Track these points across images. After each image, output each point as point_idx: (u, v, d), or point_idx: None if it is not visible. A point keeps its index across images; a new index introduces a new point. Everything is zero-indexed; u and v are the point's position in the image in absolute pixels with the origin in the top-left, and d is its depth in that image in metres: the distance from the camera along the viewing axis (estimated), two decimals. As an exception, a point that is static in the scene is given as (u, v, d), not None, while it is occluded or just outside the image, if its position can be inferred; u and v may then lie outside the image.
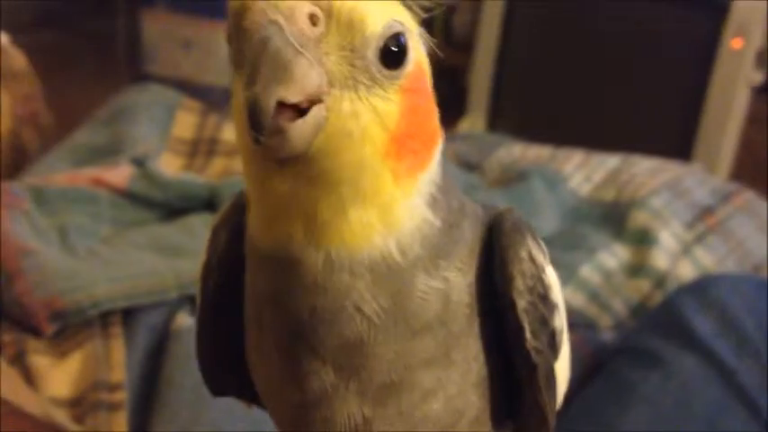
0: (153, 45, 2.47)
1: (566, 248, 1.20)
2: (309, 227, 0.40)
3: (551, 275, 0.48)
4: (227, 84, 0.41)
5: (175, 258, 1.05)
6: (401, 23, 0.40)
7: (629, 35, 1.98)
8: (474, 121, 2.20)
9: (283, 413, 0.49)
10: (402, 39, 0.40)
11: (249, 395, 0.54)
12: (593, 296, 1.15)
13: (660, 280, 1.16)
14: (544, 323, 0.47)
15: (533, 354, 0.46)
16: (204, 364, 0.54)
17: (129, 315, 0.96)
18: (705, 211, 1.25)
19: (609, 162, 1.42)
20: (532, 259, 0.46)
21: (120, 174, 1.24)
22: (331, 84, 0.38)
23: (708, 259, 1.19)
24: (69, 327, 0.94)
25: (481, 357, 0.46)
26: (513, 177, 1.40)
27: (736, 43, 1.87)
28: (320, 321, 0.42)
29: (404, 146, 0.40)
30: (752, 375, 0.91)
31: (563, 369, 0.51)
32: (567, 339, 0.52)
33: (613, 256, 1.20)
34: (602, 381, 0.98)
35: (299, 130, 0.37)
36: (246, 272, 0.47)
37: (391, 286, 0.42)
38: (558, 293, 0.49)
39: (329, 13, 0.38)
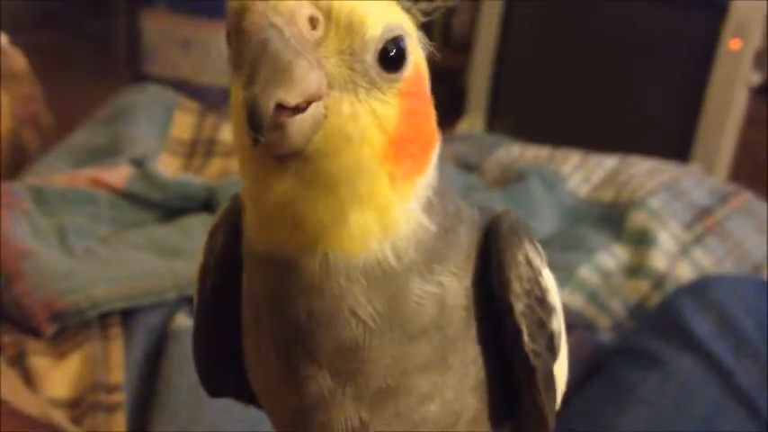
0: (152, 45, 2.46)
1: (564, 249, 1.20)
2: (306, 229, 0.40)
3: (548, 278, 0.48)
4: (226, 84, 0.41)
5: (174, 259, 1.05)
6: (400, 27, 0.40)
7: (628, 35, 1.98)
8: (473, 122, 2.20)
9: (281, 415, 0.49)
10: (401, 42, 0.40)
11: (246, 396, 0.54)
12: (592, 297, 1.15)
13: (659, 281, 1.16)
14: (542, 326, 0.47)
15: (532, 356, 0.46)
16: (201, 365, 0.54)
17: (127, 316, 0.96)
18: (704, 212, 1.25)
19: (607, 163, 1.42)
20: (529, 262, 0.46)
21: (119, 174, 1.24)
22: (330, 86, 0.38)
23: (706, 260, 1.19)
24: (68, 328, 0.94)
25: (479, 361, 0.46)
26: (512, 178, 1.40)
27: (734, 44, 1.87)
28: (317, 325, 0.42)
29: (402, 149, 0.40)
30: (750, 376, 0.91)
31: (561, 370, 0.51)
32: (566, 341, 0.52)
33: (612, 256, 1.20)
34: (600, 381, 0.98)
35: (298, 125, 0.37)
36: (244, 273, 0.47)
37: (386, 290, 0.42)
38: (555, 296, 0.49)
39: (329, 16, 0.38)
